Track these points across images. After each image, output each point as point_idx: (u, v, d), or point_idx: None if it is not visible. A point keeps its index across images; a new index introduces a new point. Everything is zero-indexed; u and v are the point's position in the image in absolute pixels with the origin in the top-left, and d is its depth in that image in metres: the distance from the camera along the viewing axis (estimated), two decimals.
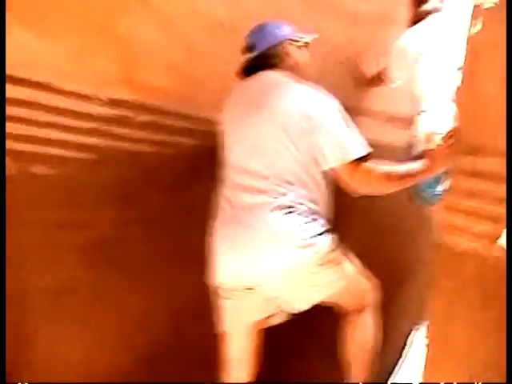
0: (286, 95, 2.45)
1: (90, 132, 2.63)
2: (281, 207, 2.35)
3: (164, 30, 2.72)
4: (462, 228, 2.09)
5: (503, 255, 1.90)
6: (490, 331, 1.95)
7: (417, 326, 3.05)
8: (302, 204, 2.37)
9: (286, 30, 2.63)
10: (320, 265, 2.36)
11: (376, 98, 3.28)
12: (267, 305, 2.50)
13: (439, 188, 2.61)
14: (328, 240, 2.38)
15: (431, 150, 2.39)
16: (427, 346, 2.24)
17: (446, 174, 2.40)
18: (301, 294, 2.45)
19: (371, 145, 2.41)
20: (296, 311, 2.51)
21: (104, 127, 2.66)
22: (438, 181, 2.57)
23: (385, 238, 3.26)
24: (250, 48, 2.61)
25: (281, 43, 2.60)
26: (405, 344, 3.55)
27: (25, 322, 2.58)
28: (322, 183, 2.44)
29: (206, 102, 2.83)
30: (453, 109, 2.55)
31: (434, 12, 2.91)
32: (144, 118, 2.76)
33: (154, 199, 2.82)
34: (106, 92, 2.64)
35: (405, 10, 3.10)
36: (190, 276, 2.70)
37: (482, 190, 2.03)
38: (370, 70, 3.12)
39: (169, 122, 2.83)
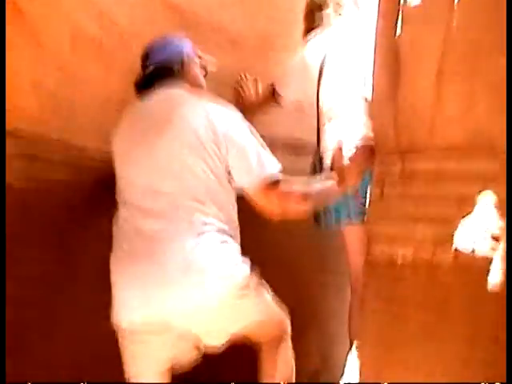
0: (192, 112, 2.26)
1: None
2: (196, 233, 2.10)
3: (35, 47, 2.37)
4: (402, 236, 1.93)
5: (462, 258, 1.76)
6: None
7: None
8: (217, 230, 2.14)
9: (185, 44, 2.48)
10: (240, 296, 2.14)
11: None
12: (180, 345, 2.24)
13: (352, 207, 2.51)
14: (247, 267, 2.16)
15: (341, 167, 2.29)
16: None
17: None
18: (219, 327, 2.21)
19: None
20: (212, 349, 2.26)
21: None
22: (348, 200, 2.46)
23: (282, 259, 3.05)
24: (147, 59, 2.42)
25: (180, 56, 2.43)
26: None
27: None
28: (233, 207, 2.22)
29: (82, 128, 2.51)
30: (362, 120, 2.49)
31: (330, 21, 2.86)
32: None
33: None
34: None
35: (286, 35, 3.03)
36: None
37: (422, 192, 1.90)
38: (251, 94, 2.98)
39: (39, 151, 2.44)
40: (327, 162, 2.53)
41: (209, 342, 2.24)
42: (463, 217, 1.77)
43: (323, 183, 2.29)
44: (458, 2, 1.80)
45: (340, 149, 2.32)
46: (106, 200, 2.36)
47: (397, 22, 2.09)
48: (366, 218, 2.21)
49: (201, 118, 2.21)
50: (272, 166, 2.20)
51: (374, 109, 2.16)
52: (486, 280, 1.70)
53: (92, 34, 2.53)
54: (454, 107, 1.83)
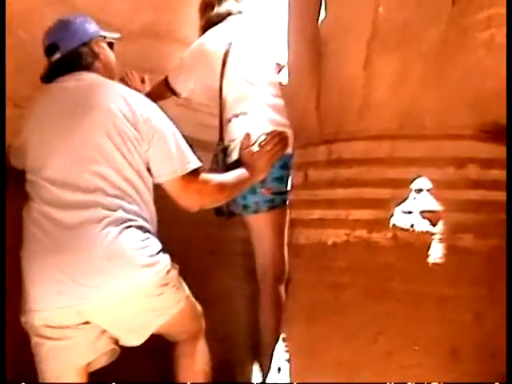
0: (109, 95, 2.13)
1: None
2: (116, 222, 2.01)
3: None
4: (332, 219, 1.97)
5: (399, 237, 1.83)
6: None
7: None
8: (136, 218, 2.07)
9: (93, 27, 2.31)
10: (162, 285, 2.08)
11: None
12: (98, 342, 2.11)
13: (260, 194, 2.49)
14: (167, 258, 2.09)
15: (251, 155, 2.29)
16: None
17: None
18: (141, 323, 2.12)
19: None
20: (131, 344, 2.16)
21: None
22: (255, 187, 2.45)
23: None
24: (54, 48, 2.23)
25: (91, 41, 2.27)
26: None
27: None
28: (150, 197, 2.13)
29: None
30: (267, 111, 2.49)
31: (232, 14, 2.75)
32: None
33: None
34: None
35: (176, 26, 2.94)
36: None
37: (348, 177, 1.94)
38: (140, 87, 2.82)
39: None
40: (234, 153, 2.49)
41: (128, 341, 2.13)
42: (398, 200, 1.85)
43: (235, 173, 2.26)
44: None
45: (249, 137, 2.31)
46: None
47: (310, 9, 2.15)
48: (288, 203, 2.21)
49: (119, 101, 2.10)
50: (192, 158, 2.14)
51: (291, 95, 2.17)
52: (427, 255, 1.80)
53: None
54: (384, 87, 1.89)
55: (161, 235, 2.16)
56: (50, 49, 2.25)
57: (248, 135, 2.33)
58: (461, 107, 1.83)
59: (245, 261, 3.00)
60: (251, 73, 2.61)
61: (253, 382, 3.14)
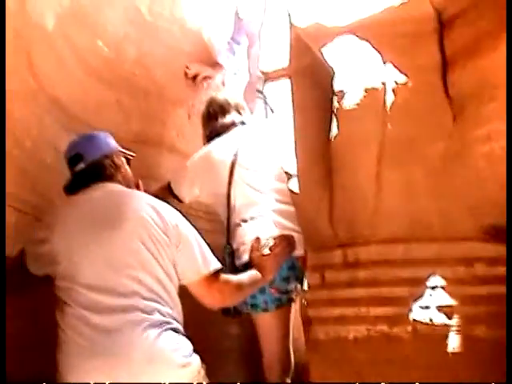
0: (139, 204, 2.26)
1: None
2: (154, 325, 2.10)
3: None
4: (352, 316, 2.15)
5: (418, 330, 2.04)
6: None
7: None
8: (171, 320, 2.16)
9: (113, 142, 2.46)
10: (196, 381, 2.16)
11: None
12: None
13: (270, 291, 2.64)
14: (198, 358, 2.19)
15: (261, 257, 2.45)
16: None
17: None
18: None
19: None
20: None
21: None
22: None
23: None
24: (78, 158, 2.35)
25: (112, 154, 2.41)
26: None
27: None
28: (178, 299, 2.25)
29: None
30: (274, 216, 2.67)
31: (236, 125, 2.93)
32: None
33: None
34: None
35: (165, 135, 3.11)
36: None
37: (366, 277, 2.15)
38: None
39: None
40: (245, 256, 2.64)
41: None
42: (415, 297, 2.06)
43: (248, 274, 2.42)
44: (391, 104, 2.13)
45: (258, 240, 2.48)
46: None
47: (314, 121, 2.40)
48: (305, 302, 2.36)
49: (148, 209, 2.24)
50: (213, 260, 2.29)
51: (303, 202, 2.39)
52: (446, 345, 2.01)
53: None
54: (393, 196, 2.14)
55: None
56: (74, 159, 2.37)
57: (258, 239, 2.49)
58: (463, 212, 2.09)
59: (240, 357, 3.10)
60: (257, 180, 2.79)
61: None
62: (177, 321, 2.19)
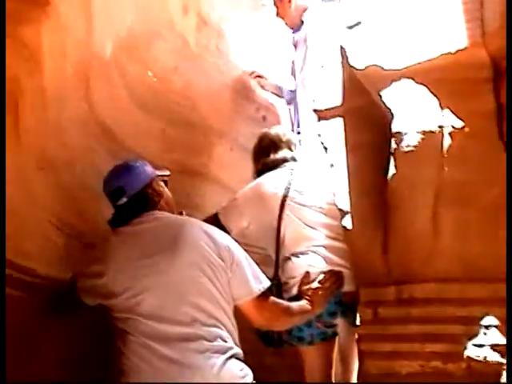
0: (195, 233, 2.32)
1: None
2: (218, 352, 2.16)
3: None
4: (406, 352, 2.21)
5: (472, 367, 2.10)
6: None
7: None
8: (233, 346, 2.23)
9: (150, 168, 2.50)
10: None
11: None
12: None
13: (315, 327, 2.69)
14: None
15: (310, 291, 2.52)
16: None
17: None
18: None
19: None
20: None
21: None
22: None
23: None
24: (119, 192, 2.40)
25: (152, 182, 2.45)
26: None
27: None
28: (235, 322, 2.31)
29: None
30: (324, 252, 2.73)
31: (287, 161, 2.98)
32: None
33: None
34: None
35: (205, 165, 3.17)
36: None
37: (421, 314, 2.22)
38: None
39: None
40: (294, 290, 2.69)
41: None
42: (469, 335, 2.12)
43: (298, 303, 2.49)
44: (448, 147, 2.20)
45: (308, 275, 2.55)
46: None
47: (370, 160, 2.47)
48: (357, 337, 2.42)
49: (202, 234, 2.30)
50: (264, 279, 2.36)
51: (356, 239, 2.45)
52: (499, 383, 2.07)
53: None
54: (449, 238, 2.20)
55: None
56: (115, 193, 2.41)
57: (308, 273, 2.57)
58: None
59: None
60: (308, 216, 2.83)
61: None
62: (237, 345, 2.25)
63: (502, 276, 2.15)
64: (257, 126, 3.50)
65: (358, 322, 2.41)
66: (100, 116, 2.80)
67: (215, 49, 3.35)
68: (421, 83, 2.30)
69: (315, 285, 2.55)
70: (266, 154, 3.02)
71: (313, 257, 2.72)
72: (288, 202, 2.82)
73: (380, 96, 2.37)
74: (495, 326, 2.11)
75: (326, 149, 2.68)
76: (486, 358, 2.09)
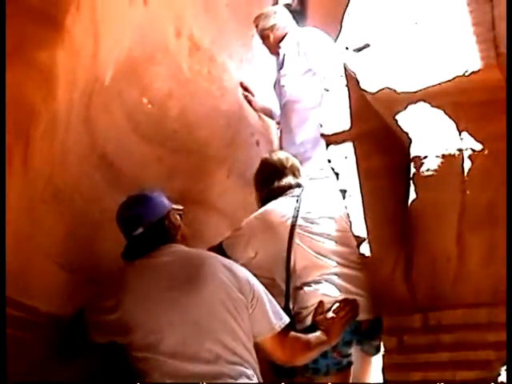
0: (215, 268, 2.24)
1: None
2: None
3: None
4: (437, 379, 2.16)
5: None
6: None
7: None
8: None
9: (166, 200, 2.41)
10: None
11: None
12: None
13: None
14: None
15: (325, 321, 2.46)
16: None
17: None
18: None
19: None
20: None
21: None
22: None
23: None
24: (136, 222, 2.30)
25: (168, 214, 2.37)
26: None
27: None
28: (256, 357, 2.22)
29: None
30: (337, 280, 2.66)
31: (292, 188, 2.89)
32: None
33: None
34: None
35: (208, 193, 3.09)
36: None
37: (450, 341, 2.18)
38: None
39: None
40: (307, 320, 2.59)
41: None
42: (502, 361, 2.09)
43: (315, 335, 2.42)
44: (469, 170, 2.18)
45: (323, 304, 2.48)
46: None
47: (384, 186, 2.43)
48: (382, 367, 2.35)
49: (222, 268, 2.23)
50: (284, 315, 2.30)
51: (375, 266, 2.40)
52: None
53: None
54: (475, 261, 2.19)
55: None
56: (132, 222, 2.31)
57: (322, 302, 2.50)
58: None
59: None
60: (318, 244, 2.74)
61: None
62: (260, 381, 2.17)
63: None
64: (252, 152, 3.43)
65: (382, 351, 2.36)
66: (99, 144, 2.68)
67: (207, 74, 3.28)
68: (437, 106, 2.28)
69: (330, 314, 2.48)
70: (270, 181, 2.93)
71: (325, 285, 2.65)
72: (297, 230, 2.73)
73: (396, 120, 2.34)
74: None
75: (337, 175, 2.61)
76: None
